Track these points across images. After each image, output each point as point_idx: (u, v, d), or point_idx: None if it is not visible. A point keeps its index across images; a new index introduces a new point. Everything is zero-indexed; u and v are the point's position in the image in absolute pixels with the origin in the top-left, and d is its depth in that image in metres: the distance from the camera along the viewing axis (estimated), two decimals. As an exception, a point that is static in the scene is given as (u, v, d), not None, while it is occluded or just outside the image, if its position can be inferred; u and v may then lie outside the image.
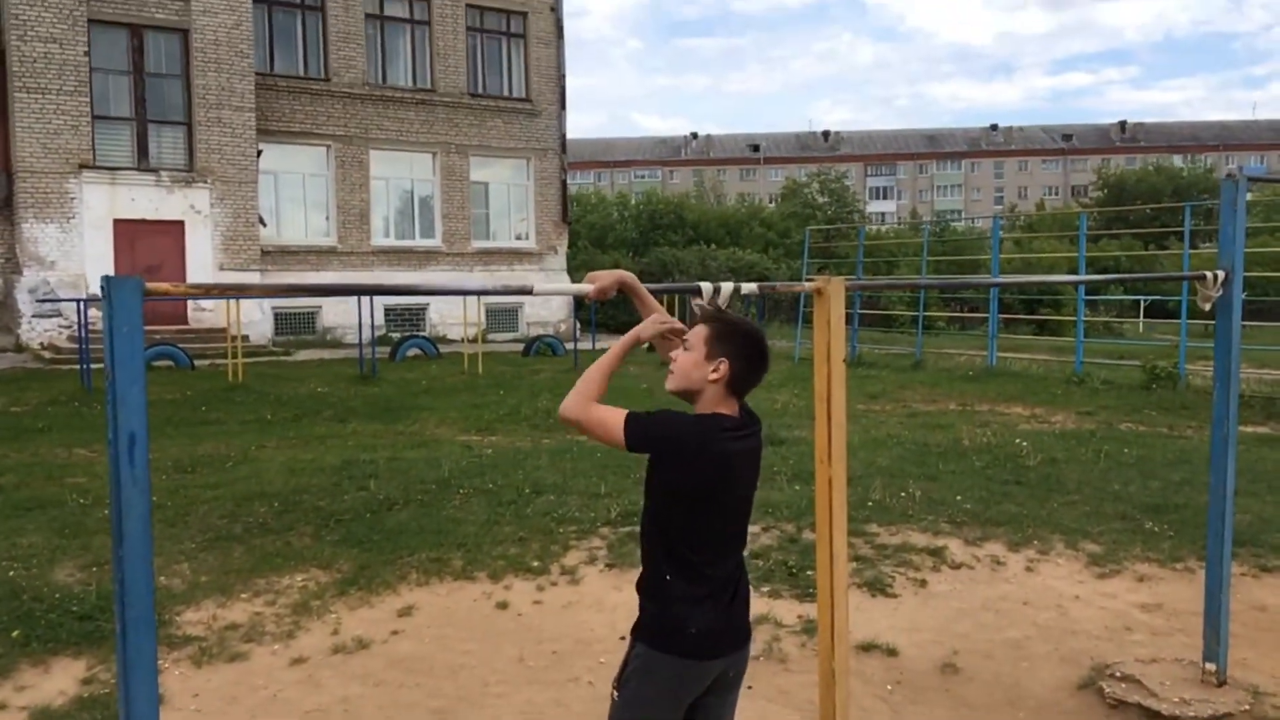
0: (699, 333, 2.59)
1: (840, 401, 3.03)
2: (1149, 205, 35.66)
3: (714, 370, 2.54)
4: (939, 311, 21.88)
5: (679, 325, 2.73)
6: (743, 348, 2.57)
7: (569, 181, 29.57)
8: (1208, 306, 4.20)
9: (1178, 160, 79.55)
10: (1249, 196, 4.35)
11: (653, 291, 2.87)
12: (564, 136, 28.77)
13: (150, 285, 2.15)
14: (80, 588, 5.30)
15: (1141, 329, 32.09)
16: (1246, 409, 12.40)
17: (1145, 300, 33.09)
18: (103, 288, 2.07)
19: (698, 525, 2.52)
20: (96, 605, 5.03)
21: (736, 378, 2.56)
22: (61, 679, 4.32)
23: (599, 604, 5.27)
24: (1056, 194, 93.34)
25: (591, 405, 2.52)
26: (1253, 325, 22.01)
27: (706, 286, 2.86)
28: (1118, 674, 4.16)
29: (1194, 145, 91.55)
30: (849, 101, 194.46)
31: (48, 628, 4.77)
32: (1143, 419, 11.60)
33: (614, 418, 2.50)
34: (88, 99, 21.16)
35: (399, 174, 26.30)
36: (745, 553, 2.72)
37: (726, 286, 2.88)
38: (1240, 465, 8.43)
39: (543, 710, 4.12)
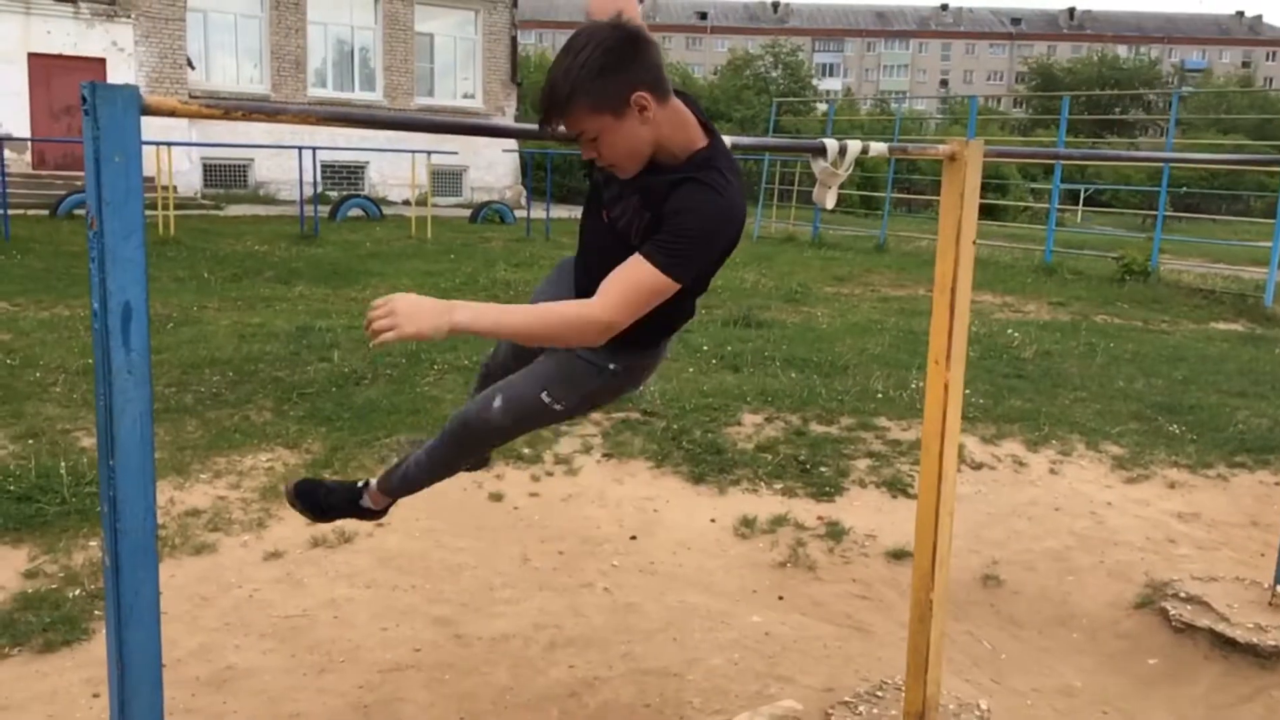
0: (583, 112, 1.92)
1: (966, 292, 2.55)
2: (1107, 91, 35.26)
3: (639, 110, 1.92)
4: (893, 194, 21.37)
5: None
6: (621, 61, 1.89)
7: (519, 40, 28.08)
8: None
9: (1123, 50, 79.22)
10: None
11: (773, 149, 2.36)
12: (514, -12, 27.20)
13: (151, 100, 1.55)
14: (15, 463, 4.69)
15: (1080, 219, 32.02)
16: (1218, 305, 12.28)
17: (1085, 190, 32.97)
18: (85, 99, 1.46)
19: None
20: (36, 484, 4.44)
21: (655, 87, 1.93)
22: (1, 571, 3.77)
23: (601, 497, 4.83)
24: (1001, 79, 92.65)
25: (609, 304, 1.97)
26: (1219, 220, 21.98)
27: (831, 144, 2.32)
28: (1181, 594, 3.85)
29: (1138, 36, 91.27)
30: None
31: (-20, 511, 4.18)
32: (1117, 312, 11.38)
33: (646, 280, 1.94)
34: (-4, -83, 19.26)
35: (338, 19, 24.59)
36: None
37: (853, 146, 2.34)
38: (1235, 367, 8.25)
39: (560, 619, 3.69)
